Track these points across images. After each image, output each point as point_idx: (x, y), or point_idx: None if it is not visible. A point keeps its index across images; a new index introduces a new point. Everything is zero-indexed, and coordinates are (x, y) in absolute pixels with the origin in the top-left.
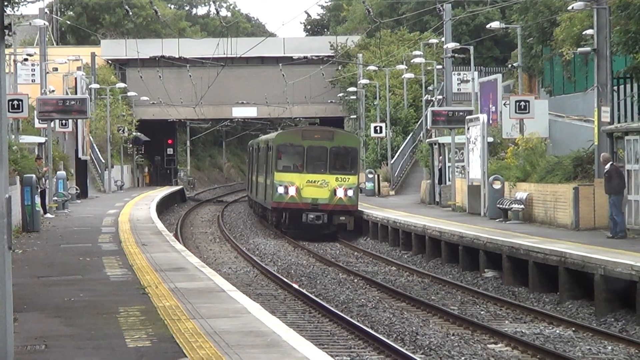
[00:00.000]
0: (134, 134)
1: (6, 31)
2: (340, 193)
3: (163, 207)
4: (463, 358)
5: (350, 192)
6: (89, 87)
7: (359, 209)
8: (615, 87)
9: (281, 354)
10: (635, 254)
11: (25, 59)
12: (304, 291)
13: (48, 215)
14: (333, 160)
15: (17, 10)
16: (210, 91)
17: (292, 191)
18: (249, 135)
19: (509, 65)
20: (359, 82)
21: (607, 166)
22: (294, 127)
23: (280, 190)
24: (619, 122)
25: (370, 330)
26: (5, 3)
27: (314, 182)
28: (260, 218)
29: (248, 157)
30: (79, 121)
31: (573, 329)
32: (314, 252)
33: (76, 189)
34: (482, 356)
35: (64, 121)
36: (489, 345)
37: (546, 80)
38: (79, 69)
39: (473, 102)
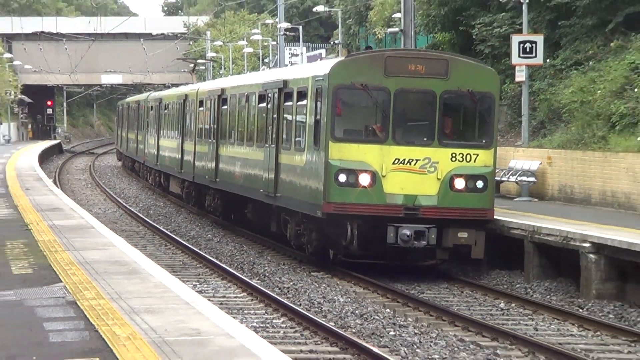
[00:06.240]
0: (19, 96)
1: None
2: (460, 184)
3: (44, 158)
4: (291, 283)
5: (479, 183)
6: None
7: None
8: None
9: (141, 279)
10: None
11: None
12: (161, 228)
13: None
14: (446, 120)
15: None
16: (83, 61)
17: (364, 181)
18: (116, 97)
19: (332, 42)
20: (207, 55)
21: None
22: (364, 50)
23: (342, 179)
24: None
25: (215, 260)
26: None
27: (409, 162)
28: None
29: (147, 115)
30: None
31: None
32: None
33: None
34: (307, 282)
35: None
36: (312, 273)
37: None
38: None
39: None
